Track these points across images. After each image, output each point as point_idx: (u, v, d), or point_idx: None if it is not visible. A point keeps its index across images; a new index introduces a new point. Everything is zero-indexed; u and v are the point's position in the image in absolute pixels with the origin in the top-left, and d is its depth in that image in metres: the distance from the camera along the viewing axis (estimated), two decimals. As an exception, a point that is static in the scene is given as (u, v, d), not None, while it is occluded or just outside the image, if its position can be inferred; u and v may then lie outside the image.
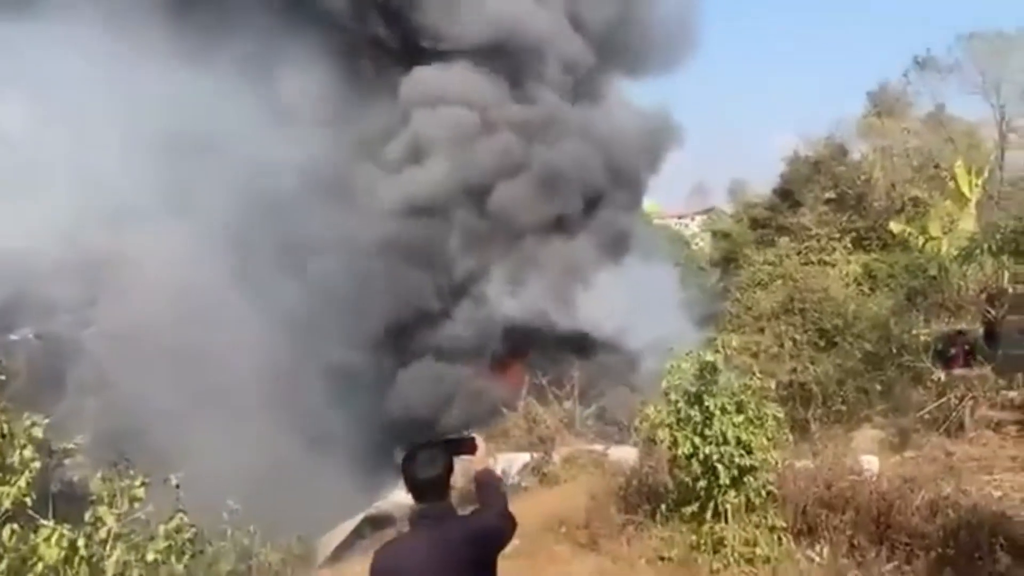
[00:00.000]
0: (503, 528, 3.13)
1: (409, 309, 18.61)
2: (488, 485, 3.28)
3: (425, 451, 3.01)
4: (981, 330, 15.42)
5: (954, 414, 11.75)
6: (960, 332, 14.71)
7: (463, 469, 3.27)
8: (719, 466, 6.68)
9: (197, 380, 13.91)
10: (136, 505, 4.08)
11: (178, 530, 4.09)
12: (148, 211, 16.15)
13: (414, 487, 2.96)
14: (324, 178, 18.31)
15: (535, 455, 12.52)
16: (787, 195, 26.64)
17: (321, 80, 18.76)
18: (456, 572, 2.91)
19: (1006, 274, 16.41)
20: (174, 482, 4.50)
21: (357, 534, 12.52)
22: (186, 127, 16.56)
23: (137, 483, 4.11)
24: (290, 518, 10.45)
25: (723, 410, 6.78)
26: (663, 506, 7.52)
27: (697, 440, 6.76)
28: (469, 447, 3.23)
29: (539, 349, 18.86)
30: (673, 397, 7.07)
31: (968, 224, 20.09)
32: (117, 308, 15.24)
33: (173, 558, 3.98)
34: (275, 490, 12.36)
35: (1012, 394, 12.02)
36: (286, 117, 18.36)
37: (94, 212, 15.38)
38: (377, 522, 12.58)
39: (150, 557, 3.85)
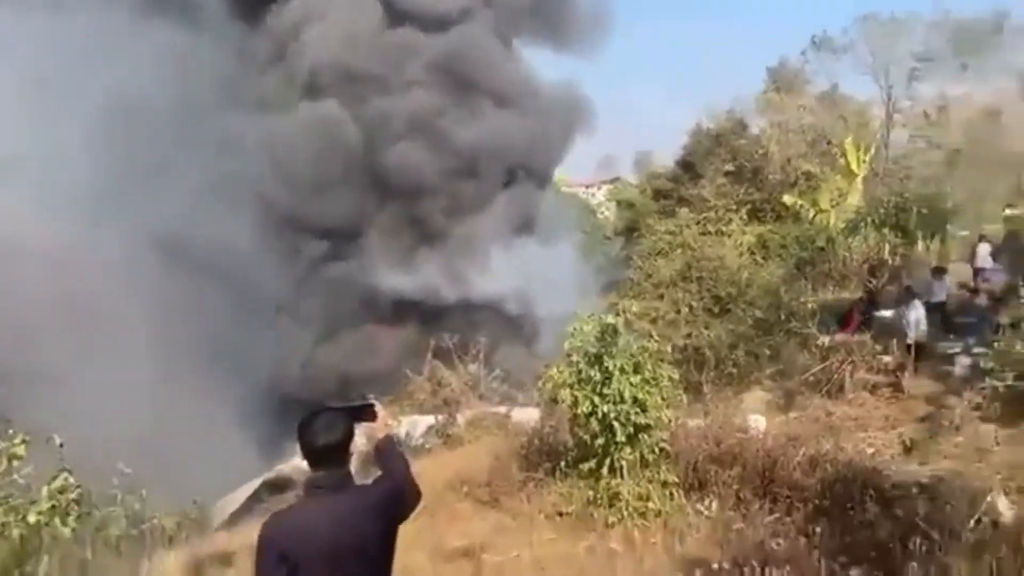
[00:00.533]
0: (405, 498, 3.02)
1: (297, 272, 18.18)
2: (390, 453, 3.13)
3: (323, 416, 2.85)
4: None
5: (835, 377, 12.47)
6: (860, 299, 15.53)
7: (366, 433, 3.15)
8: (616, 424, 6.91)
9: (84, 340, 13.28)
10: (16, 464, 3.86)
11: (62, 490, 3.89)
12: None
13: (311, 454, 2.79)
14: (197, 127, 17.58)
15: (439, 417, 12.57)
16: (689, 167, 27.37)
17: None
18: (352, 544, 2.75)
19: (887, 246, 17.45)
20: (57, 442, 4.27)
21: (255, 499, 12.30)
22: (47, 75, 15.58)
23: (17, 441, 3.88)
24: (186, 482, 10.16)
25: (621, 370, 6.99)
26: (562, 463, 7.73)
27: (596, 399, 6.95)
28: (369, 413, 3.10)
29: (445, 316, 18.84)
30: (575, 358, 7.23)
31: (855, 199, 21.28)
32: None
33: (57, 520, 3.79)
34: (171, 454, 12.00)
35: (887, 359, 12.84)
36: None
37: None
38: (276, 486, 12.39)
39: (32, 518, 3.66)
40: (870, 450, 9.50)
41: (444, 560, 6.73)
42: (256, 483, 12.58)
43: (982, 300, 13.74)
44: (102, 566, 7.24)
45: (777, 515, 6.87)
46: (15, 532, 3.59)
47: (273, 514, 2.83)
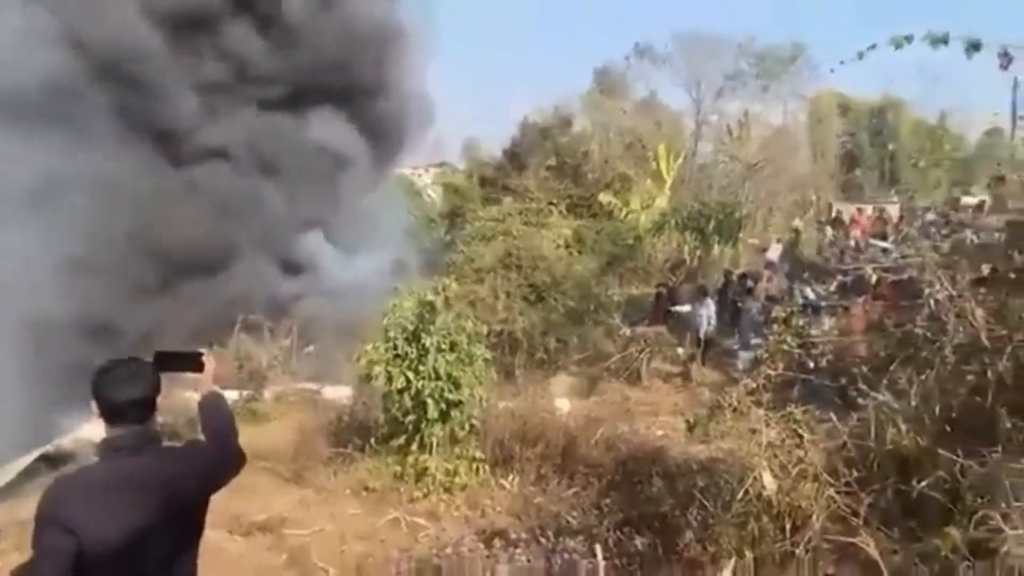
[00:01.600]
0: (225, 463, 2.69)
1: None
2: (214, 410, 2.76)
3: (124, 365, 2.45)
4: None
5: (633, 365, 13.37)
6: (659, 294, 16.63)
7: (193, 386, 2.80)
8: (429, 400, 7.02)
9: None
10: None
11: None
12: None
13: (108, 408, 2.39)
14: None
15: (243, 392, 12.10)
16: (515, 157, 28.01)
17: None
18: (155, 514, 2.36)
19: (687, 248, 18.90)
20: None
21: (29, 474, 11.25)
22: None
23: None
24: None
25: (438, 348, 7.11)
26: (372, 440, 7.74)
27: (411, 375, 7.02)
28: (193, 363, 2.72)
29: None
30: (392, 334, 7.25)
31: (663, 202, 22.80)
32: None
33: None
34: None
35: (680, 350, 13.94)
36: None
37: None
38: (56, 461, 11.38)
39: None
40: (659, 432, 10.31)
41: (242, 535, 6.54)
42: (31, 457, 11.49)
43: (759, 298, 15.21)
44: None
45: (575, 490, 7.30)
46: None
47: (56, 479, 2.40)
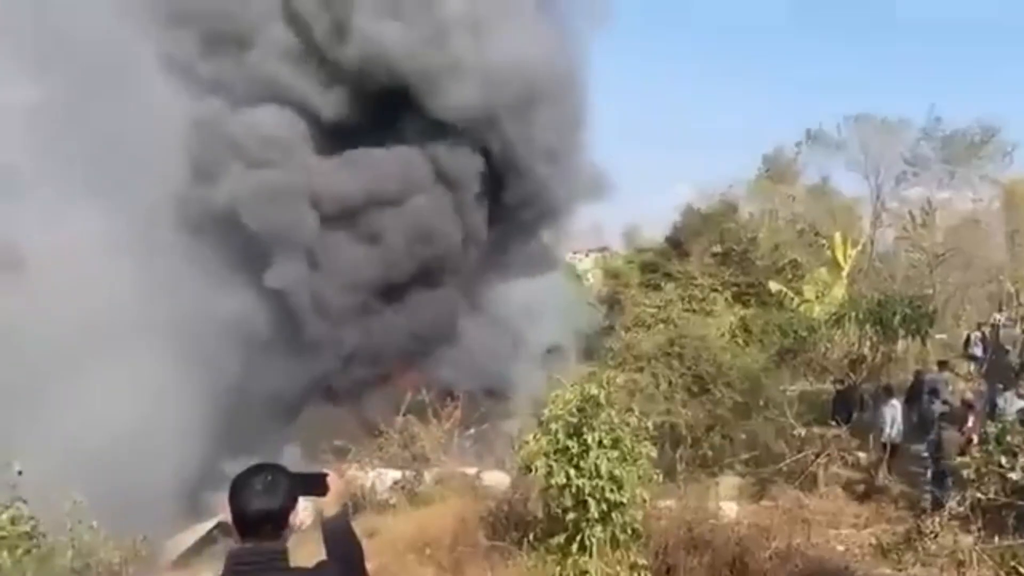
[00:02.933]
0: None
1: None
2: (341, 534, 2.61)
3: (262, 475, 2.32)
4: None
5: (809, 469, 12.38)
6: (839, 392, 15.46)
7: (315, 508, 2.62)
8: (590, 499, 6.76)
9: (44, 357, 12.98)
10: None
11: (14, 521, 3.67)
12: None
13: (240, 520, 2.27)
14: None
15: (407, 473, 12.31)
16: (677, 244, 27.66)
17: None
18: None
19: (868, 342, 17.58)
20: (16, 469, 4.06)
21: (208, 539, 11.92)
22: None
23: (-31, 467, 3.68)
24: (139, 519, 9.82)
25: (600, 444, 6.87)
26: (531, 535, 7.53)
27: (572, 471, 6.81)
28: (318, 485, 2.56)
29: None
30: (553, 427, 7.11)
31: (839, 292, 21.54)
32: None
33: (5, 552, 3.57)
34: (123, 487, 11.61)
35: (862, 455, 12.79)
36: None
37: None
38: (230, 529, 11.99)
39: (-22, 551, 3.44)
40: (841, 547, 9.39)
41: (400, 626, 6.49)
42: (211, 523, 12.20)
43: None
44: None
45: (746, 609, 6.71)
46: (-42, 565, 3.37)
47: None
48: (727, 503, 10.73)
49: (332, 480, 2.60)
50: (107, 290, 14.71)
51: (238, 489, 2.30)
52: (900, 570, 5.99)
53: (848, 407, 14.45)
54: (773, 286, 22.04)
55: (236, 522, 2.30)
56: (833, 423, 13.22)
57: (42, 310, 13.86)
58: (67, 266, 14.53)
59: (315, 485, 2.55)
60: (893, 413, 12.92)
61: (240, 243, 17.66)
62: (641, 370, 16.29)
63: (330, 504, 2.61)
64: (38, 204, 15.08)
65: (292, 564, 2.34)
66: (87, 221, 15.24)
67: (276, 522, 2.29)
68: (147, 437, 13.88)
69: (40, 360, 13.23)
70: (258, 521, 2.27)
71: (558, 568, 6.96)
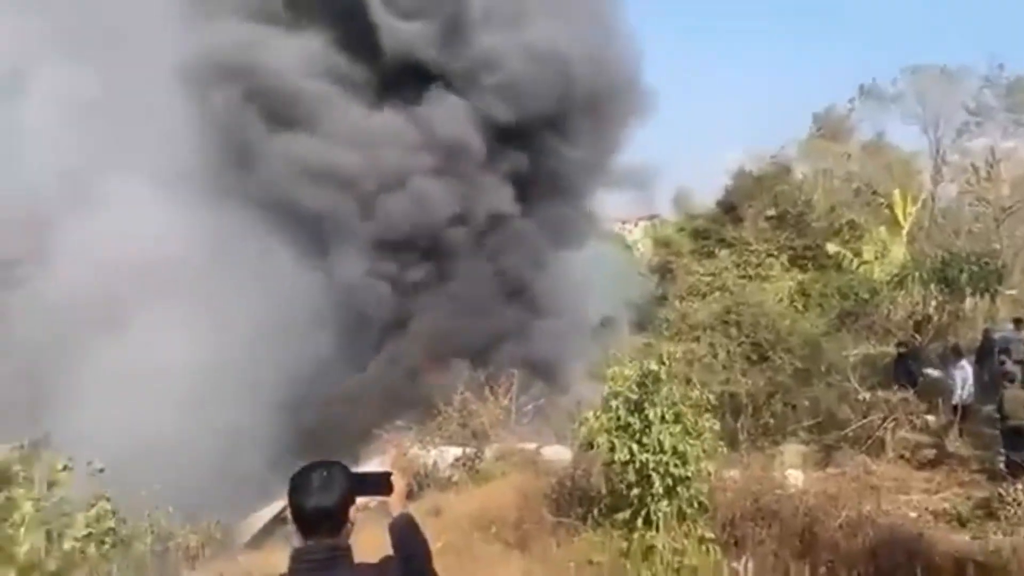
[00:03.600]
0: None
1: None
2: (408, 534, 2.61)
3: (319, 472, 2.34)
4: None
5: (876, 434, 12.11)
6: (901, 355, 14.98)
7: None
8: (654, 474, 6.73)
9: (125, 355, 13.40)
10: (55, 489, 3.80)
11: (99, 518, 3.81)
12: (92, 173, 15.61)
13: (299, 517, 2.30)
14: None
15: (467, 450, 12.42)
16: (730, 209, 27.10)
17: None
18: None
19: (932, 302, 17.03)
20: (98, 467, 4.21)
21: (280, 520, 12.24)
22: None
23: (59, 467, 3.81)
24: (212, 502, 10.15)
25: (662, 419, 6.82)
26: (595, 511, 7.54)
27: (634, 447, 6.78)
28: (382, 485, 2.56)
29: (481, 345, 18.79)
30: (614, 404, 7.08)
31: (900, 251, 20.88)
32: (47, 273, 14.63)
33: (92, 547, 3.72)
34: (199, 473, 12.00)
35: (931, 418, 12.45)
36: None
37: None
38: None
39: (67, 545, 3.58)
40: (913, 514, 9.18)
41: (470, 604, 6.57)
42: (280, 504, 12.51)
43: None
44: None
45: (817, 579, 6.62)
46: (51, 563, 3.51)
47: None
48: (792, 471, 10.56)
49: (396, 480, 2.60)
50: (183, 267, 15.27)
51: (295, 487, 2.32)
52: (979, 538, 5.83)
53: (913, 370, 14.05)
54: (830, 248, 21.47)
55: (295, 520, 2.31)
56: (897, 386, 12.89)
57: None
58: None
59: (378, 485, 2.54)
60: (963, 374, 12.51)
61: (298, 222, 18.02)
62: (697, 340, 16.11)
63: (395, 503, 2.61)
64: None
65: (356, 560, 2.34)
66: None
67: (334, 519, 2.31)
68: (219, 415, 14.34)
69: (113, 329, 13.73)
70: (316, 519, 2.28)
71: (625, 543, 6.96)
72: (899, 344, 15.19)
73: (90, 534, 3.76)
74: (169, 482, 9.04)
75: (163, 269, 15.03)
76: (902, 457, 12.05)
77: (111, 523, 3.98)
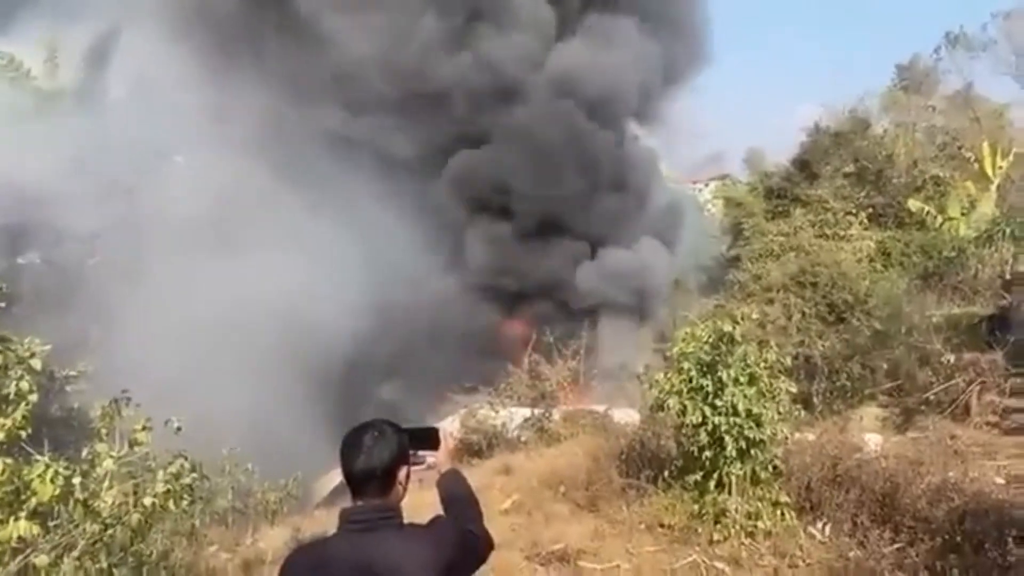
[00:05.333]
0: (471, 551, 2.39)
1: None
2: (456, 492, 2.57)
3: (369, 433, 2.29)
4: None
5: (961, 397, 11.63)
6: (992, 316, 14.23)
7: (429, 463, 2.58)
8: (727, 437, 6.59)
9: (203, 317, 13.84)
10: (136, 448, 3.94)
11: (177, 476, 3.93)
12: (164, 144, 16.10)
13: (348, 478, 2.27)
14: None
15: (536, 411, 12.49)
16: (805, 166, 26.12)
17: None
18: None
19: (1024, 259, 16.17)
20: (176, 425, 4.34)
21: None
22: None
23: (139, 426, 3.94)
24: (290, 459, 10.45)
25: (736, 381, 6.66)
26: (666, 473, 7.46)
27: (707, 410, 6.65)
28: (430, 440, 2.52)
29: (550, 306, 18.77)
30: (686, 365, 6.94)
31: (988, 207, 19.86)
32: (125, 240, 15.18)
33: (172, 503, 3.84)
34: (277, 431, 12.38)
35: (1020, 381, 11.86)
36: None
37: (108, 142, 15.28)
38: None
39: (147, 501, 3.71)
40: (1000, 480, 8.79)
41: (540, 563, 6.60)
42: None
43: None
44: (210, 537, 7.53)
45: (899, 546, 6.39)
46: (134, 516, 3.64)
47: (299, 547, 2.45)
48: (870, 435, 10.25)
49: (443, 435, 2.57)
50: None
51: (345, 448, 2.29)
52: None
53: (1003, 330, 13.38)
54: (913, 205, 20.54)
55: (346, 480, 2.29)
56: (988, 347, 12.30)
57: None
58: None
59: (425, 439, 2.51)
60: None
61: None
62: (771, 302, 15.69)
63: (442, 458, 2.67)
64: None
65: (407, 521, 2.31)
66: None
67: (383, 479, 2.27)
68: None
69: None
70: (364, 479, 2.25)
71: (696, 506, 6.87)
72: (997, 306, 14.39)
73: (169, 491, 3.88)
74: (249, 439, 9.37)
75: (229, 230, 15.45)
76: (988, 422, 11.57)
77: (189, 479, 4.09)
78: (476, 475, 8.66)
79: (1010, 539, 5.68)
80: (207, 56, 16.88)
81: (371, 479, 2.25)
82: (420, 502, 2.68)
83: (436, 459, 2.60)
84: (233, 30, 17.82)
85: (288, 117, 17.91)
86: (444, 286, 18.81)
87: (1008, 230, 16.30)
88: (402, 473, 2.33)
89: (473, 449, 11.39)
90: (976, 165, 22.14)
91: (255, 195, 16.20)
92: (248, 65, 17.38)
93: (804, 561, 6.33)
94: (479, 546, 2.44)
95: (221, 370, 13.33)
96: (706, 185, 45.49)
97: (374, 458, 2.25)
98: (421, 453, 2.50)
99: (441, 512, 2.52)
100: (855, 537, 6.60)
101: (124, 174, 15.52)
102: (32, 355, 3.99)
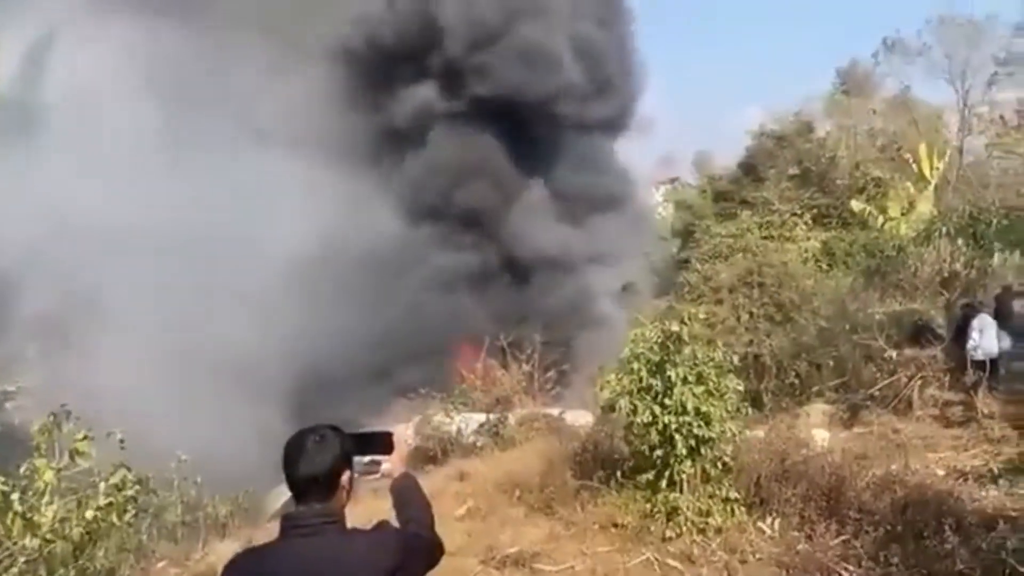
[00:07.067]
0: (420, 554, 2.37)
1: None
2: (409, 494, 2.54)
3: (311, 436, 2.27)
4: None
5: (903, 392, 11.97)
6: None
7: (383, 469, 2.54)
8: (677, 436, 6.68)
9: (147, 331, 13.55)
10: (78, 459, 3.83)
11: (120, 487, 3.84)
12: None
13: (291, 483, 2.25)
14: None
15: (491, 416, 12.48)
16: (751, 169, 26.71)
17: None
18: None
19: (961, 258, 16.69)
20: (118, 436, 4.24)
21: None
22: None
23: (80, 436, 3.83)
24: (240, 472, 10.29)
25: (684, 380, 6.76)
26: (618, 473, 7.54)
27: (657, 409, 6.74)
28: (381, 444, 2.49)
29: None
30: (636, 366, 7.02)
31: (926, 207, 20.48)
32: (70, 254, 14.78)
33: (114, 515, 3.75)
34: (225, 444, 12.16)
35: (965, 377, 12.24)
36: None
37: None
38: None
39: (89, 514, 3.61)
40: (940, 472, 9.07)
41: (496, 567, 6.61)
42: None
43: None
44: (158, 551, 7.37)
45: (844, 538, 6.56)
46: (75, 531, 3.54)
47: (242, 551, 2.39)
48: (818, 431, 10.51)
49: (397, 438, 2.57)
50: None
51: (287, 453, 2.27)
52: (1012, 494, 5.75)
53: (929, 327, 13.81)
54: (855, 206, 21.11)
55: (288, 485, 2.27)
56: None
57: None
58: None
59: (377, 444, 2.48)
60: (982, 328, 12.24)
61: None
62: (720, 303, 15.94)
63: (395, 463, 2.57)
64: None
65: (350, 526, 2.30)
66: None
67: (325, 484, 2.25)
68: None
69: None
70: (306, 484, 2.24)
71: (648, 504, 6.96)
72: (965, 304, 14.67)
73: (112, 503, 3.79)
74: (196, 453, 9.19)
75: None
76: (931, 416, 11.92)
77: (132, 491, 3.99)
78: (431, 481, 8.64)
79: (948, 528, 5.86)
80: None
81: (313, 484, 2.23)
82: (377, 510, 2.67)
83: (390, 464, 2.56)
84: None
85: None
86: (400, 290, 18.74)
87: (944, 228, 16.85)
88: (345, 477, 2.31)
89: (428, 455, 11.35)
90: (914, 166, 22.82)
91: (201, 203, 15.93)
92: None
93: (754, 556, 6.44)
94: (428, 549, 2.42)
95: (168, 383, 13.06)
96: (656, 188, 46.10)
97: (316, 463, 2.24)
98: (374, 458, 2.49)
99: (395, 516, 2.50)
100: (803, 531, 6.75)
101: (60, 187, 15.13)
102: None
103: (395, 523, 2.48)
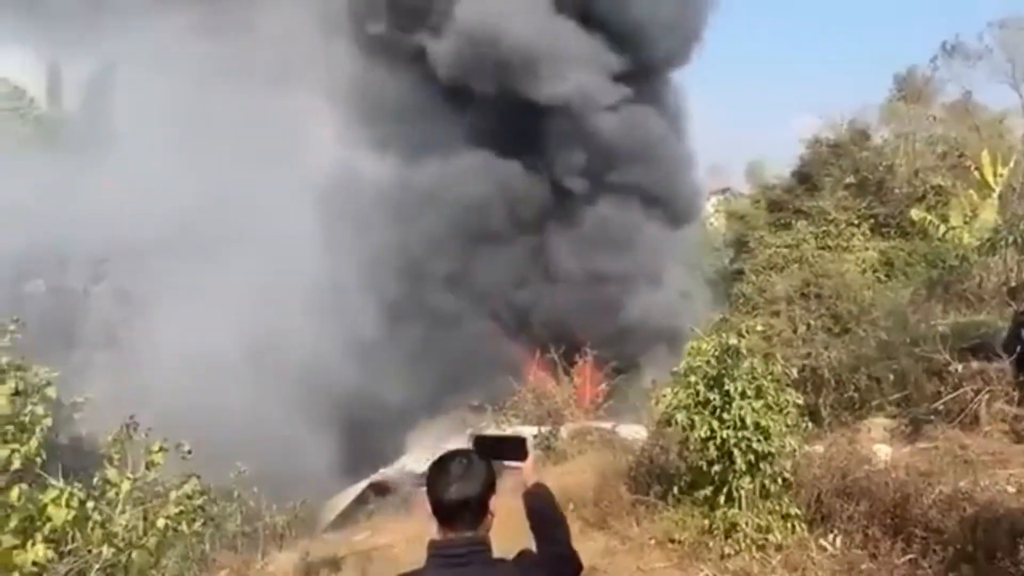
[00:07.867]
0: None
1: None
2: (546, 512, 2.46)
3: (458, 461, 2.22)
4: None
5: (970, 407, 11.56)
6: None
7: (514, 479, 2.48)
8: (735, 451, 6.58)
9: (208, 341, 13.88)
10: (151, 470, 3.97)
11: (190, 496, 3.96)
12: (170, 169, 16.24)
13: (439, 508, 2.19)
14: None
15: (542, 429, 12.46)
16: (806, 178, 26.17)
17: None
18: None
19: (1030, 266, 16.14)
20: (186, 448, 4.38)
21: (361, 500, 12.57)
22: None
23: (155, 448, 3.97)
24: (297, 482, 10.46)
25: (743, 395, 6.66)
26: (675, 488, 7.44)
27: (715, 423, 6.65)
28: (517, 451, 2.43)
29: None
30: (693, 379, 6.95)
31: (990, 215, 19.83)
32: (130, 265, 15.25)
33: (184, 524, 3.87)
34: (283, 454, 12.37)
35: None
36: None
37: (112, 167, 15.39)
38: (381, 489, 12.64)
39: (160, 523, 3.73)
40: (1011, 489, 8.74)
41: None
42: (362, 485, 12.85)
43: None
44: (220, 561, 7.53)
45: (911, 556, 6.36)
46: (152, 540, 3.66)
47: None
48: (879, 446, 10.21)
49: (529, 446, 2.50)
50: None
51: (435, 477, 2.22)
52: (1090, 514, 5.53)
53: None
54: (915, 215, 20.52)
55: (435, 511, 2.21)
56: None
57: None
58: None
59: (512, 450, 2.41)
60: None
61: None
62: (776, 314, 15.72)
63: (528, 470, 2.50)
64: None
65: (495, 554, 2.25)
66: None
67: (474, 510, 2.19)
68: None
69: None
70: (456, 509, 2.18)
71: (706, 520, 6.86)
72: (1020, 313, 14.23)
73: (182, 511, 3.90)
74: (256, 463, 9.37)
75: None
76: (1000, 431, 11.50)
77: (200, 500, 4.12)
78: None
79: (1022, 547, 5.64)
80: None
81: (464, 510, 2.19)
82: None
83: (524, 472, 2.50)
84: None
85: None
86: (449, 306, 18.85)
87: (1010, 237, 16.28)
88: (493, 503, 2.26)
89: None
90: (977, 173, 22.15)
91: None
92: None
93: (816, 574, 6.30)
94: (574, 572, 2.39)
95: (228, 394, 13.35)
96: (708, 199, 45.58)
97: (467, 488, 2.19)
98: (508, 464, 2.43)
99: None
100: (866, 549, 6.58)
101: (128, 200, 15.62)
102: (48, 384, 4.04)
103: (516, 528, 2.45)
